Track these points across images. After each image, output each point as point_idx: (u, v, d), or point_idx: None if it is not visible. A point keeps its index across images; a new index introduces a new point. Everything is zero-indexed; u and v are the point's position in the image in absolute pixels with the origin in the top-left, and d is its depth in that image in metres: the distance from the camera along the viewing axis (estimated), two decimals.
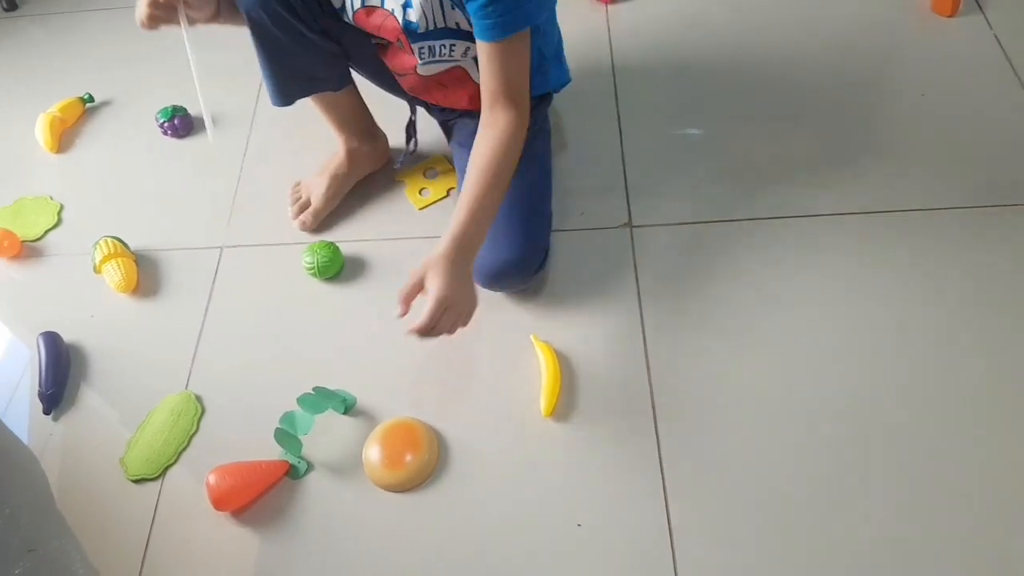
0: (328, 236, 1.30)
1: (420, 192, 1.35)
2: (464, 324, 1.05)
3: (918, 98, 1.38)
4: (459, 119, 1.26)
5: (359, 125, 1.33)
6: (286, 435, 1.08)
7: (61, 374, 1.21)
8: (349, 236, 1.30)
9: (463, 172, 1.20)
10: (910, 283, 1.16)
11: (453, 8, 1.04)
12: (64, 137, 1.55)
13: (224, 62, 1.55)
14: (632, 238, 1.25)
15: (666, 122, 1.41)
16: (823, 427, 1.05)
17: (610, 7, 1.60)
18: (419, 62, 1.12)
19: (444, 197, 1.33)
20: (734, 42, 1.52)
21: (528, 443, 1.08)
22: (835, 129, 1.36)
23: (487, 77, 1.03)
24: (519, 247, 1.15)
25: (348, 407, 1.14)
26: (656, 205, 1.28)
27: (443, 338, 1.04)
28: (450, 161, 1.37)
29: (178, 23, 1.04)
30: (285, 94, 1.21)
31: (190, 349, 1.22)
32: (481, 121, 1.06)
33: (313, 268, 1.25)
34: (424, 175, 1.38)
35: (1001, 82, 1.39)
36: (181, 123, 1.49)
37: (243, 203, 1.40)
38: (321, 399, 1.11)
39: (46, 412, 1.19)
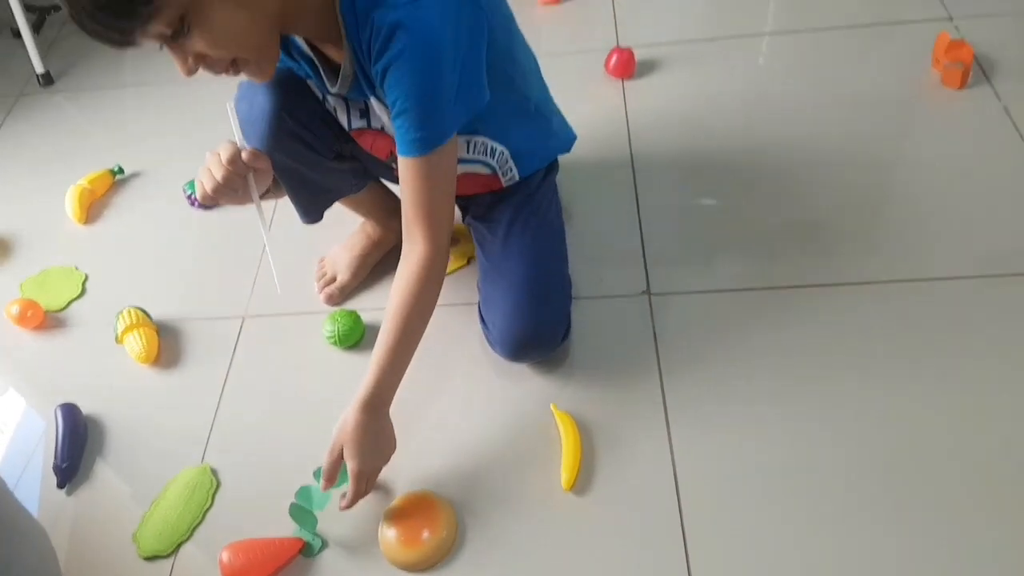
0: (349, 304, 1.31)
1: None
2: (383, 463, 1.08)
3: (931, 169, 1.40)
4: (472, 197, 1.28)
5: (383, 210, 1.35)
6: (301, 510, 1.07)
7: (77, 447, 1.21)
8: (370, 304, 1.31)
9: (479, 244, 1.23)
10: (929, 351, 1.16)
11: None
12: (93, 208, 1.59)
13: None
14: (651, 306, 1.26)
15: (682, 193, 1.42)
16: (847, 496, 1.03)
17: (626, 82, 1.64)
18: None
19: (464, 265, 1.35)
20: (747, 116, 1.55)
21: (548, 518, 1.06)
22: (850, 200, 1.37)
23: (404, 195, 1.01)
24: (544, 319, 1.16)
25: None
26: (674, 274, 1.29)
27: (462, 408, 1.07)
28: (469, 230, 1.39)
29: (240, 201, 1.04)
30: (312, 213, 1.25)
31: (208, 421, 1.22)
32: (403, 249, 1.05)
33: (334, 336, 1.25)
34: None
35: (1012, 152, 1.40)
36: None
37: (266, 274, 1.41)
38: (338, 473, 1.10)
39: (60, 486, 1.18)
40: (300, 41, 1.01)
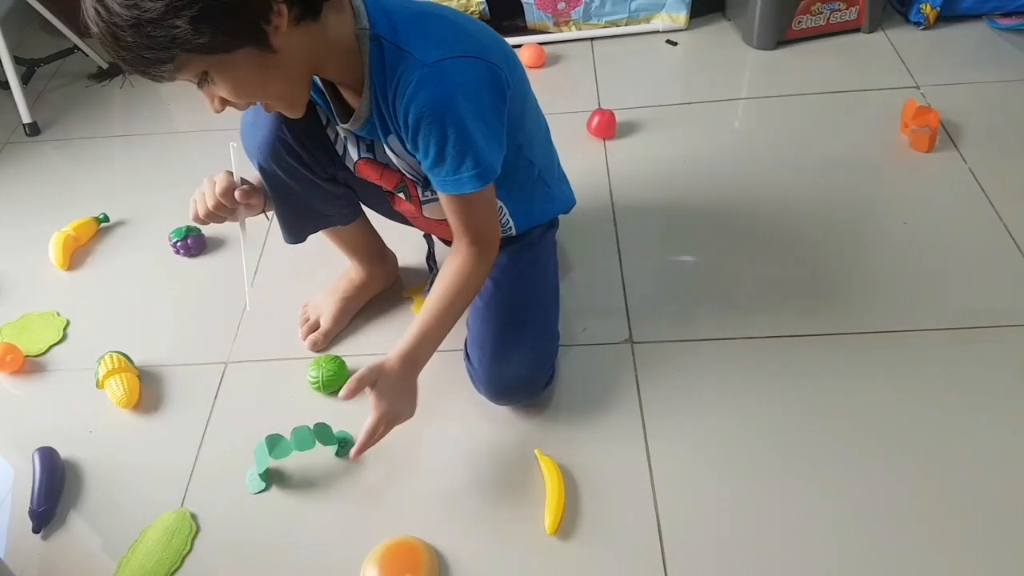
0: (334, 351, 1.31)
1: None
2: (408, 415, 1.10)
3: (900, 227, 1.45)
4: None
5: (369, 251, 1.37)
6: (261, 450, 1.12)
7: (54, 491, 1.19)
8: (355, 350, 1.32)
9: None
10: (896, 400, 1.19)
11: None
12: (76, 255, 1.59)
13: None
14: (633, 353, 1.28)
15: (662, 247, 1.46)
16: (831, 540, 1.04)
17: (608, 142, 1.69)
18: (422, 204, 1.18)
19: None
20: (724, 176, 1.60)
21: (532, 562, 1.06)
22: (824, 257, 1.42)
23: (450, 219, 1.07)
24: (529, 363, 1.17)
25: (343, 450, 1.18)
26: (655, 323, 1.31)
27: (446, 452, 1.09)
28: None
29: (234, 220, 1.13)
30: (296, 233, 1.27)
31: (188, 465, 1.21)
32: (452, 247, 1.10)
33: (318, 382, 1.25)
34: None
35: (977, 212, 1.46)
36: (194, 243, 1.54)
37: (250, 320, 1.42)
38: (313, 436, 1.13)
39: (36, 531, 1.15)
40: (316, 78, 1.04)
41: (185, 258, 1.55)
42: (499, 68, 0.98)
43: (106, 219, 1.65)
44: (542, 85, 1.88)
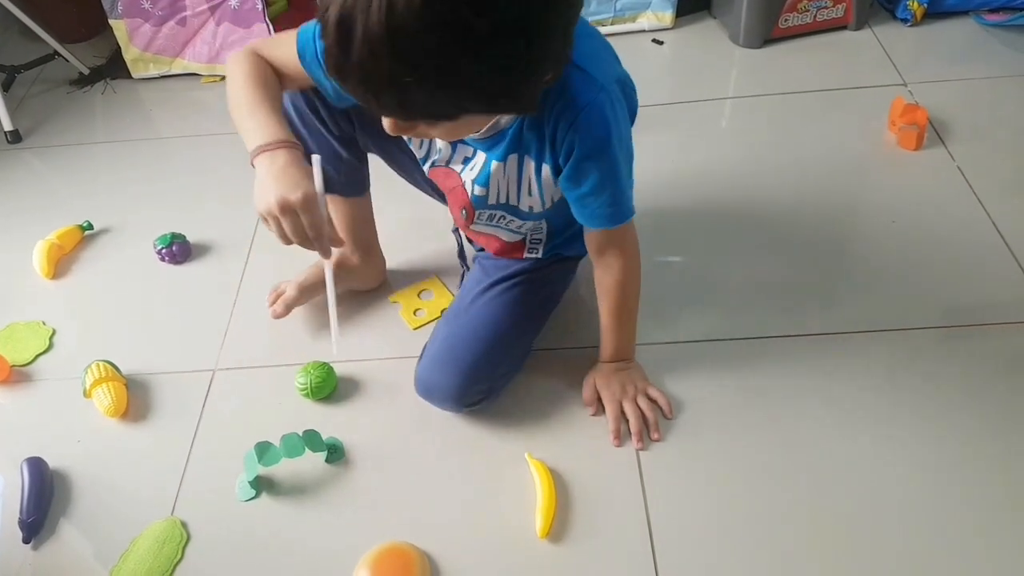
0: (322, 356, 1.30)
1: (415, 313, 1.37)
2: (659, 398, 1.19)
3: (889, 225, 1.45)
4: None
5: (358, 236, 1.35)
6: (250, 458, 1.13)
7: (44, 501, 1.18)
8: (343, 356, 1.31)
9: (465, 281, 1.27)
10: (885, 399, 1.19)
11: (531, 195, 1.06)
12: (61, 263, 1.57)
13: (220, 189, 1.61)
14: None
15: (649, 250, 1.42)
16: (819, 542, 1.04)
17: None
18: (475, 221, 1.16)
19: (438, 318, 1.35)
20: (711, 176, 1.60)
21: (523, 565, 1.06)
22: (811, 255, 1.42)
23: (592, 237, 1.09)
24: (460, 388, 1.15)
25: (333, 455, 1.17)
26: (643, 326, 1.30)
27: (436, 457, 1.11)
28: (444, 284, 1.40)
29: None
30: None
31: (178, 474, 1.20)
32: (596, 265, 1.13)
33: (306, 389, 1.25)
34: (419, 296, 1.41)
35: (965, 208, 1.46)
36: (179, 250, 1.52)
37: (237, 327, 1.41)
38: (303, 443, 1.13)
39: (26, 541, 1.14)
40: None
41: (171, 265, 1.53)
42: (636, 95, 1.02)
43: (90, 227, 1.63)
44: None
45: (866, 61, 1.84)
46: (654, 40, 1.97)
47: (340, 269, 1.35)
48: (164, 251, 1.52)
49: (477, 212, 1.13)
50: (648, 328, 1.30)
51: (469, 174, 1.08)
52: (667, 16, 1.97)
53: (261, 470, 1.14)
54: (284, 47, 0.99)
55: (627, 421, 1.17)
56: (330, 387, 1.27)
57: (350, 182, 1.26)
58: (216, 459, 1.21)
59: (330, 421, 1.24)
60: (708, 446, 1.16)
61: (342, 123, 1.15)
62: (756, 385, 1.22)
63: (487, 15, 0.66)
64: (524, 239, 1.21)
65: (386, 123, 0.83)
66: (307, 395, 1.25)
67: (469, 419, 1.21)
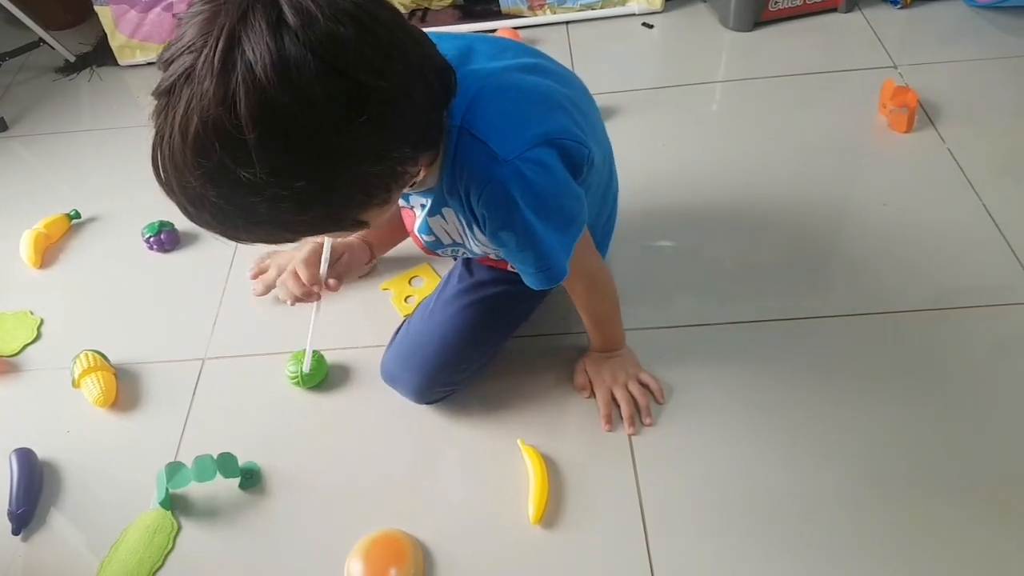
0: (314, 344, 1.29)
1: (406, 300, 1.37)
2: (649, 383, 1.20)
3: (880, 208, 1.45)
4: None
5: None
6: (160, 478, 1.13)
7: (33, 492, 1.17)
8: (334, 344, 1.30)
9: (445, 278, 1.25)
10: (878, 381, 1.19)
11: (478, 243, 1.02)
12: (48, 253, 1.56)
13: None
14: None
15: (640, 235, 1.45)
16: (815, 526, 1.04)
17: None
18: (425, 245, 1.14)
19: None
20: (702, 160, 1.59)
21: (516, 551, 1.06)
22: (803, 239, 1.41)
23: None
24: (420, 385, 1.17)
25: (248, 480, 1.15)
26: (636, 310, 1.30)
27: (427, 444, 1.12)
28: (435, 270, 1.40)
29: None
30: None
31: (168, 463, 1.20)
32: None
33: (297, 377, 1.24)
34: (410, 283, 1.40)
35: (956, 190, 1.46)
36: (168, 238, 1.51)
37: (227, 315, 1.40)
38: (215, 467, 1.12)
39: (15, 532, 1.14)
40: None
41: (159, 253, 1.52)
42: (583, 146, 0.92)
43: (77, 215, 1.62)
44: None
45: (856, 44, 1.83)
46: (644, 24, 1.96)
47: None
48: (152, 239, 1.51)
49: (436, 251, 1.11)
50: (641, 312, 1.30)
51: (419, 209, 1.05)
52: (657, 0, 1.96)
53: (172, 490, 1.13)
54: None
55: (619, 407, 1.17)
56: (321, 375, 1.26)
57: None
58: (206, 448, 1.20)
59: (321, 408, 1.24)
60: (702, 430, 1.16)
61: None
62: (749, 369, 1.22)
63: (248, 167, 0.65)
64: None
65: None
66: (298, 383, 1.25)
67: (461, 405, 1.21)
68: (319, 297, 1.16)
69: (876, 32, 1.85)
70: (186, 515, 1.14)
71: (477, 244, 1.02)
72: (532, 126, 0.88)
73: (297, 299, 1.17)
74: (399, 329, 1.22)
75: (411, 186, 0.90)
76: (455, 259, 1.23)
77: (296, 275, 1.16)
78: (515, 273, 1.14)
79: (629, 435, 1.16)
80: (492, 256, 1.13)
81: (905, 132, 1.58)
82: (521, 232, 0.90)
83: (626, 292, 1.33)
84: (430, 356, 1.16)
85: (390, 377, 1.20)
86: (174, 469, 1.13)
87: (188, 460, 1.14)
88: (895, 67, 1.75)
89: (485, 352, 1.22)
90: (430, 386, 1.17)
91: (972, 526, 1.03)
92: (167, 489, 1.12)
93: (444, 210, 0.99)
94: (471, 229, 0.98)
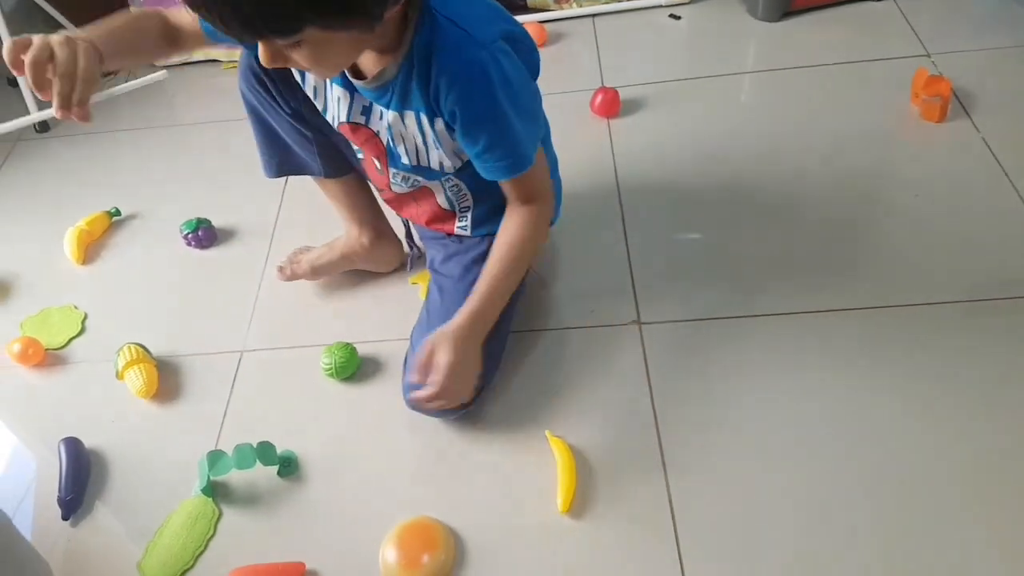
0: (345, 337, 1.33)
1: None
2: (467, 395, 1.13)
3: (912, 199, 1.44)
4: (431, 241, 1.32)
5: (361, 217, 1.37)
6: (202, 466, 1.17)
7: (81, 480, 1.22)
8: (365, 336, 1.34)
9: (429, 294, 1.26)
10: (908, 375, 1.19)
11: (437, 149, 1.07)
12: (90, 249, 1.61)
13: (243, 174, 1.64)
14: (642, 335, 1.28)
15: (668, 226, 1.46)
16: (837, 515, 1.05)
17: (611, 121, 1.69)
18: (391, 181, 1.18)
19: None
20: (730, 152, 1.59)
21: (546, 540, 1.08)
22: (833, 231, 1.41)
23: (505, 191, 1.10)
24: (446, 392, 1.13)
25: (286, 468, 1.19)
26: (663, 304, 1.32)
27: (458, 435, 1.12)
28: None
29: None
30: (270, 167, 1.30)
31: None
32: (507, 210, 1.12)
33: (331, 369, 1.27)
34: None
35: (991, 181, 1.45)
36: (205, 234, 1.55)
37: (263, 309, 1.44)
38: (254, 455, 1.16)
39: (64, 518, 1.19)
40: None
41: (197, 249, 1.56)
42: (535, 52, 1.03)
43: (118, 213, 1.67)
44: (544, 64, 1.88)
45: (888, 32, 1.82)
46: (671, 15, 1.96)
47: (352, 251, 1.39)
48: (190, 236, 1.55)
49: (392, 171, 1.14)
50: (669, 306, 1.32)
51: (379, 124, 1.08)
52: None
53: (213, 478, 1.18)
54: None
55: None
56: (353, 366, 1.29)
57: (327, 162, 1.27)
58: (245, 437, 1.24)
59: (354, 399, 1.27)
60: (727, 420, 1.17)
61: (290, 99, 1.17)
62: (776, 361, 1.23)
63: None
64: (453, 208, 1.22)
65: (260, 54, 0.87)
66: (332, 375, 1.28)
67: (489, 400, 1.23)
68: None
69: (908, 20, 1.84)
70: (226, 502, 1.18)
71: (438, 150, 1.06)
72: (495, 22, 0.97)
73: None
74: (405, 362, 1.23)
75: (365, 82, 0.99)
76: (415, 202, 1.25)
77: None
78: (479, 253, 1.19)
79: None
80: (447, 190, 1.18)
81: (938, 122, 1.57)
82: (495, 117, 0.96)
83: (654, 285, 1.36)
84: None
85: (415, 404, 1.17)
86: (215, 457, 1.17)
87: (228, 449, 1.17)
88: (928, 56, 1.73)
89: (494, 345, 1.21)
90: (459, 388, 1.14)
91: (1003, 515, 1.03)
92: (208, 476, 1.16)
93: (406, 113, 1.03)
94: (433, 130, 1.02)
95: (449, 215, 1.24)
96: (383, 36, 0.94)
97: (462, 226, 1.24)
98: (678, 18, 1.95)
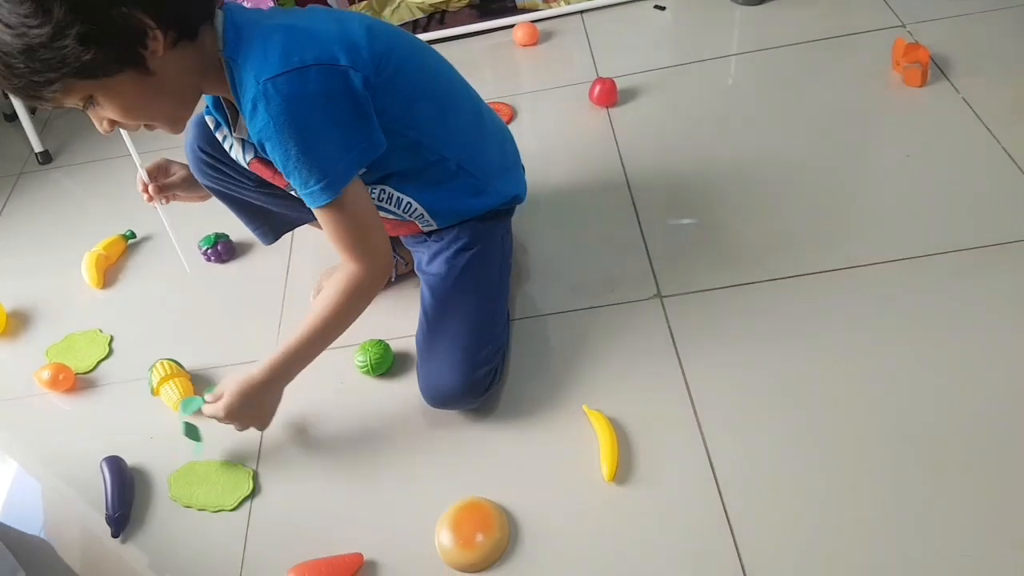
0: (375, 334, 1.36)
1: None
2: (260, 428, 1.22)
3: (903, 160, 1.50)
4: (415, 244, 1.34)
5: None
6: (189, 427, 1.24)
7: (127, 496, 1.24)
8: (397, 333, 1.37)
9: (422, 296, 1.28)
10: (920, 322, 1.25)
11: None
12: (109, 273, 1.63)
13: None
14: (664, 307, 1.33)
15: (676, 204, 1.51)
16: (874, 470, 1.10)
17: (611, 110, 1.74)
18: None
19: None
20: (727, 129, 1.65)
21: (595, 509, 1.11)
22: (832, 195, 1.47)
23: (327, 235, 1.08)
24: (463, 373, 1.19)
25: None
26: (681, 276, 1.36)
27: (495, 418, 1.23)
28: None
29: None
30: (264, 235, 1.37)
31: (252, 457, 1.27)
32: (340, 262, 1.12)
33: (366, 366, 1.30)
34: None
35: (976, 136, 1.52)
36: (224, 248, 1.58)
37: (291, 314, 1.47)
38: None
39: (115, 535, 1.20)
40: None
41: (217, 264, 1.59)
42: (349, 71, 0.97)
43: (132, 235, 1.69)
44: (538, 62, 1.95)
45: (863, 6, 1.88)
46: (656, 6, 2.02)
47: None
48: (210, 251, 1.57)
49: None
50: (686, 278, 1.37)
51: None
52: None
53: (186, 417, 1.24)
54: None
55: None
56: (388, 363, 1.32)
57: (306, 211, 1.28)
58: (289, 437, 1.27)
59: (391, 394, 1.30)
60: (754, 378, 1.21)
61: (242, 169, 1.20)
62: (792, 320, 1.28)
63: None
64: (404, 219, 1.23)
65: (100, 127, 0.98)
66: (367, 372, 1.31)
67: (523, 381, 1.27)
68: (151, 198, 1.29)
69: None
70: (269, 501, 1.20)
71: None
72: (298, 51, 0.95)
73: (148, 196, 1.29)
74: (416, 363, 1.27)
75: (236, 131, 1.08)
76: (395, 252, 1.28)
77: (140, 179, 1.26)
78: (457, 238, 1.24)
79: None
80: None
81: (920, 86, 1.63)
82: (281, 146, 0.97)
83: (671, 259, 1.42)
84: (452, 349, 1.20)
85: (436, 397, 1.22)
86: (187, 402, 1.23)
87: (274, 452, 1.20)
88: (903, 26, 1.80)
89: (491, 311, 1.26)
90: (473, 370, 1.20)
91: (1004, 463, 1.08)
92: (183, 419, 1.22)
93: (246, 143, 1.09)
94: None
95: (408, 224, 1.24)
96: (222, 87, 0.99)
97: (425, 222, 1.24)
98: (663, 8, 2.01)
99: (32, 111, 2.04)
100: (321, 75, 0.95)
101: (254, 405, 1.17)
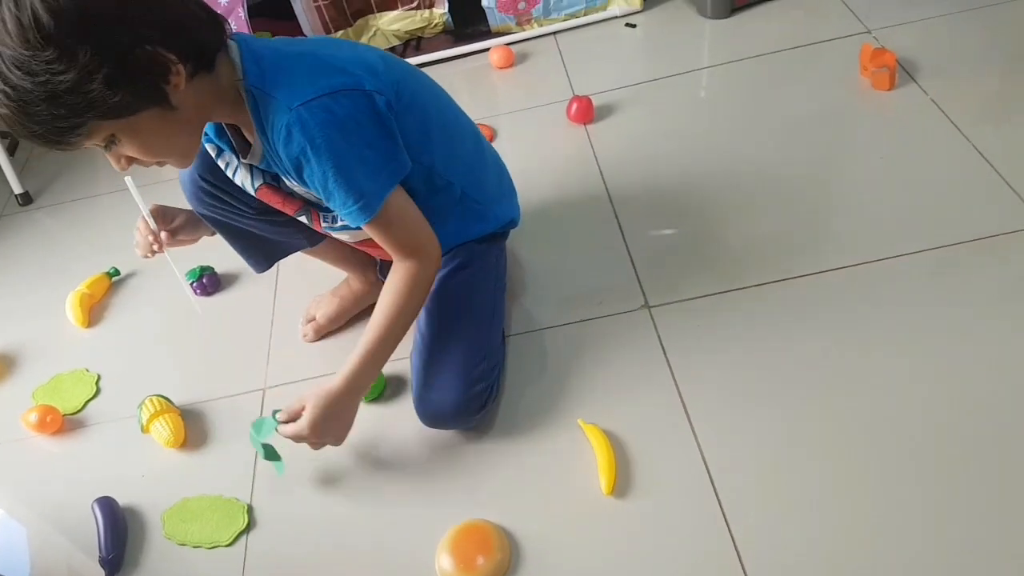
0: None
1: None
2: (336, 443, 1.19)
3: (878, 162, 1.53)
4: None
5: (355, 263, 1.42)
6: (256, 442, 1.21)
7: (120, 537, 1.22)
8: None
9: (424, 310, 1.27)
10: (901, 321, 1.26)
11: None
12: (94, 311, 1.62)
13: None
14: (652, 317, 1.34)
15: (658, 216, 1.53)
16: (868, 469, 1.10)
17: (588, 127, 1.76)
18: (324, 230, 1.21)
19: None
20: (702, 141, 1.67)
21: (595, 523, 1.11)
22: (810, 199, 1.49)
23: (378, 242, 1.11)
24: (459, 390, 1.20)
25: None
26: (667, 286, 1.37)
27: (490, 438, 1.21)
28: None
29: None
30: (258, 263, 1.36)
31: (246, 493, 1.25)
32: (393, 263, 1.13)
33: None
34: None
35: (946, 137, 1.55)
36: (210, 281, 1.57)
37: (279, 345, 1.46)
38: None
39: None
40: None
41: (203, 297, 1.58)
42: (374, 95, 1.00)
43: (117, 273, 1.68)
44: (515, 83, 1.97)
45: (829, 15, 1.92)
46: (627, 24, 2.05)
47: (362, 291, 1.43)
48: (195, 284, 1.56)
49: (324, 225, 1.18)
50: (672, 287, 1.38)
51: (288, 187, 1.13)
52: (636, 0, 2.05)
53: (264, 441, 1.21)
54: None
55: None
56: (379, 389, 1.32)
57: (300, 238, 1.32)
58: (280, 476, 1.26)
59: (383, 419, 1.30)
60: (744, 383, 1.22)
61: (244, 198, 1.21)
62: (777, 323, 1.29)
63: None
64: None
65: (117, 165, 0.97)
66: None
67: (516, 398, 1.28)
68: (160, 247, 1.24)
69: (846, 2, 1.94)
70: (267, 528, 1.19)
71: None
72: (321, 78, 0.98)
73: (148, 249, 1.25)
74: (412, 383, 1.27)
75: (248, 159, 1.07)
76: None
77: (140, 229, 1.23)
78: (454, 256, 1.25)
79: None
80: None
81: (889, 90, 1.66)
82: (319, 168, 0.99)
83: (656, 270, 1.42)
84: (448, 366, 1.21)
85: (432, 415, 1.22)
86: (259, 424, 1.20)
87: (268, 486, 1.19)
88: (869, 32, 1.84)
89: (487, 326, 1.27)
90: (467, 388, 1.20)
91: (984, 454, 1.10)
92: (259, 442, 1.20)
93: (286, 177, 1.08)
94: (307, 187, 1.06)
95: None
96: (234, 114, 1.01)
97: None
98: (634, 26, 2.04)
99: (11, 152, 2.03)
100: (350, 99, 0.98)
101: (338, 417, 1.15)
